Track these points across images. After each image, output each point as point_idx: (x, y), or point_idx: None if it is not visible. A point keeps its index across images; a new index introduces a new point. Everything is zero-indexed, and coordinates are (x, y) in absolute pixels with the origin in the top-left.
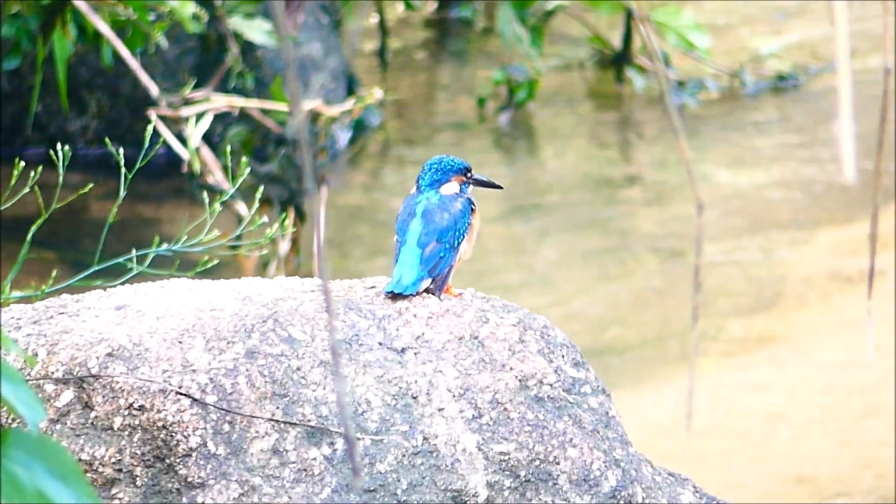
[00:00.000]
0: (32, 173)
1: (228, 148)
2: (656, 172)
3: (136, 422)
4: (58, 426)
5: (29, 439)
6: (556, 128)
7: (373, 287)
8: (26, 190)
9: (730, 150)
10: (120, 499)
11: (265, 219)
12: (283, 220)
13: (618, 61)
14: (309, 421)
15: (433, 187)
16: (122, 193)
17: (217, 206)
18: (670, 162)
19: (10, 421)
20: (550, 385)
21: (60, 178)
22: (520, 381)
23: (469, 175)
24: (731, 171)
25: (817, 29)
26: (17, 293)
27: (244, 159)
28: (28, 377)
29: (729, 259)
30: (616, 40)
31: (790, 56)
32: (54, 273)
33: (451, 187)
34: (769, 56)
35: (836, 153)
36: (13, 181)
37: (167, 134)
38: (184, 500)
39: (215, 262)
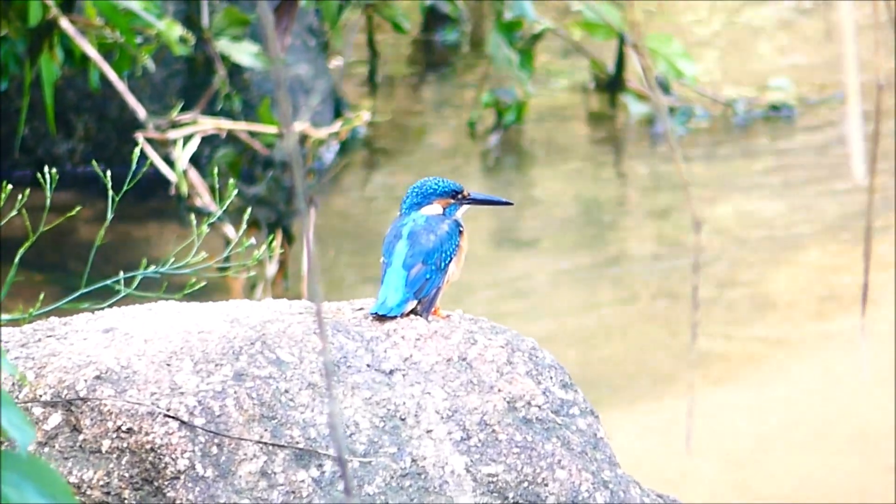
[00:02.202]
0: (20, 196)
1: (216, 170)
2: (647, 195)
3: (125, 444)
4: (46, 449)
5: (20, 460)
6: (549, 149)
7: (361, 309)
8: (14, 213)
9: (717, 174)
10: None
11: (253, 241)
12: (271, 242)
13: (611, 86)
14: (297, 443)
15: (413, 210)
16: (110, 216)
17: (205, 229)
18: (662, 185)
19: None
20: (539, 406)
21: (48, 201)
22: (508, 402)
23: (460, 197)
24: (719, 194)
25: (825, 57)
26: (4, 316)
27: (231, 181)
28: (16, 400)
29: (719, 279)
30: (610, 64)
31: (798, 88)
32: (42, 296)
33: (433, 209)
34: (775, 89)
35: (828, 174)
36: (0, 204)
37: (154, 156)
38: None
39: (203, 284)
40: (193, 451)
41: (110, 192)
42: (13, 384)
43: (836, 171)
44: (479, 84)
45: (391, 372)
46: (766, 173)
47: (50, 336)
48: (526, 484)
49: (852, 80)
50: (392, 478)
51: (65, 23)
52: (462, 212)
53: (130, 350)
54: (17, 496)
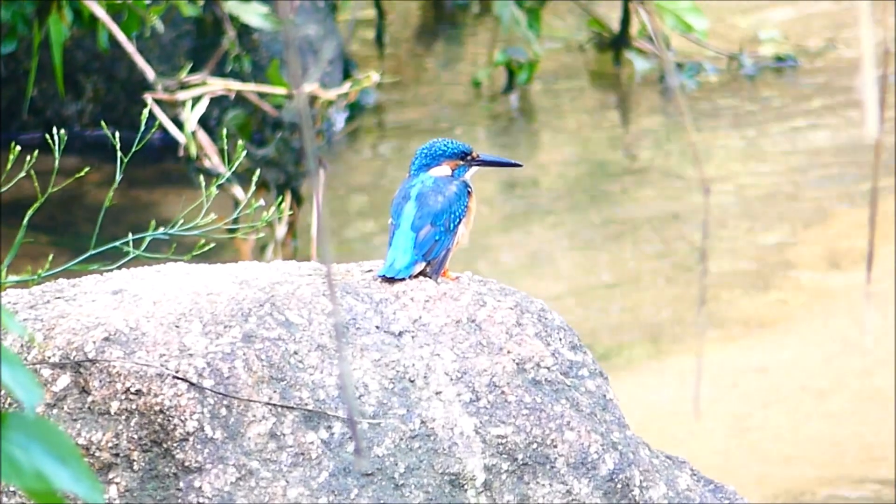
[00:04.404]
0: (29, 157)
1: (225, 132)
2: (655, 154)
3: (133, 406)
4: (55, 411)
5: (27, 421)
6: (555, 109)
7: (370, 271)
8: (22, 174)
9: (728, 131)
10: (117, 483)
11: (262, 202)
12: (280, 204)
13: (616, 44)
14: (306, 405)
15: (422, 171)
16: (119, 177)
17: (213, 190)
18: (669, 144)
19: (8, 405)
20: (548, 368)
21: (56, 163)
22: (517, 364)
23: (469, 158)
24: (729, 153)
25: (813, 7)
26: (13, 277)
27: (241, 143)
28: (25, 361)
29: (727, 241)
30: (614, 22)
31: (789, 38)
32: (51, 257)
33: (442, 171)
34: (767, 41)
35: (838, 127)
36: (9, 166)
37: (163, 118)
38: (181, 484)
39: (212, 245)
40: (202, 412)
41: (119, 154)
42: (22, 346)
43: (845, 125)
44: (489, 44)
45: (400, 334)
46: (776, 128)
47: (59, 298)
48: (535, 445)
49: (867, 37)
50: (401, 439)
51: None
52: (471, 173)
53: (139, 312)
54: (25, 457)
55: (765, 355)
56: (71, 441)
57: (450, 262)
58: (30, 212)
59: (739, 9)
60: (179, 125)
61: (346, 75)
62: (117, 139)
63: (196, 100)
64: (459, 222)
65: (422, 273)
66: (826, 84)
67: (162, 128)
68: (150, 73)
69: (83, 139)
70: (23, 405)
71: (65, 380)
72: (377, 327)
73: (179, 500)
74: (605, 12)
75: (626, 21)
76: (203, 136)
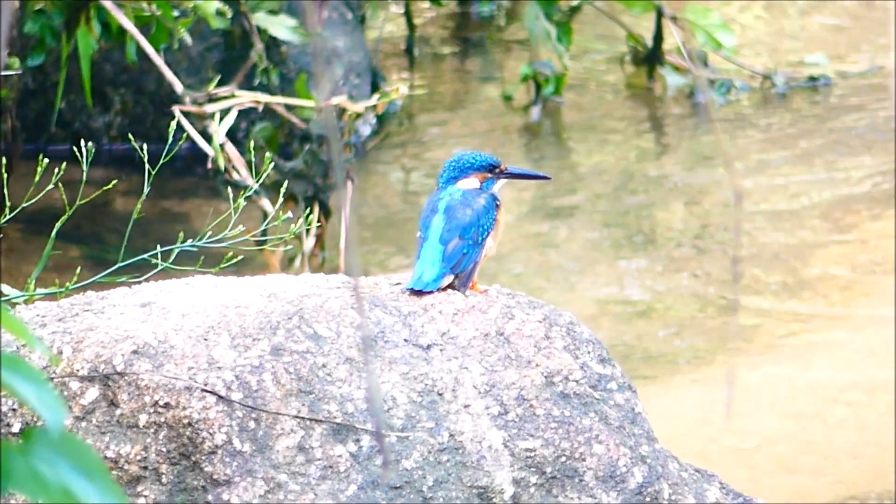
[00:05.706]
0: (57, 170)
1: (253, 144)
2: (686, 169)
3: (162, 419)
4: (83, 424)
5: (53, 437)
6: (587, 123)
7: (398, 284)
8: (50, 186)
9: (756, 144)
10: (145, 496)
11: (290, 215)
12: (308, 216)
13: (649, 59)
14: (335, 418)
15: (450, 184)
16: (147, 189)
17: (241, 202)
18: (700, 158)
19: (35, 420)
20: (576, 381)
21: (84, 175)
22: (546, 377)
23: (497, 171)
24: (757, 167)
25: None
26: (41, 290)
27: (268, 155)
28: (53, 375)
29: (756, 255)
30: (647, 37)
31: (833, 62)
32: (79, 270)
33: (470, 183)
34: (812, 65)
35: (867, 146)
36: (37, 178)
37: (191, 130)
38: (209, 497)
39: (240, 257)
40: (231, 425)
41: (146, 166)
42: (49, 359)
43: (874, 143)
44: (514, 56)
45: (429, 347)
46: (806, 145)
47: (87, 310)
48: (564, 459)
49: None
50: (430, 452)
51: None
52: (499, 186)
53: (168, 324)
54: (51, 472)
55: (793, 367)
56: (97, 457)
57: (477, 274)
58: (58, 224)
59: (791, 25)
60: (207, 138)
61: (375, 87)
62: (145, 152)
63: (224, 112)
64: (487, 235)
65: (450, 286)
66: (857, 100)
67: (190, 140)
68: (178, 86)
69: (111, 152)
70: (47, 423)
71: (93, 393)
72: (405, 340)
73: None
74: (637, 28)
75: (658, 37)
76: (231, 149)
